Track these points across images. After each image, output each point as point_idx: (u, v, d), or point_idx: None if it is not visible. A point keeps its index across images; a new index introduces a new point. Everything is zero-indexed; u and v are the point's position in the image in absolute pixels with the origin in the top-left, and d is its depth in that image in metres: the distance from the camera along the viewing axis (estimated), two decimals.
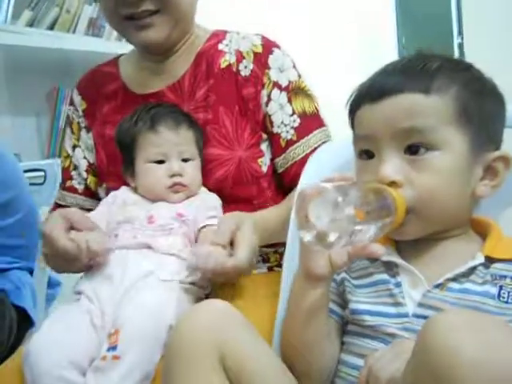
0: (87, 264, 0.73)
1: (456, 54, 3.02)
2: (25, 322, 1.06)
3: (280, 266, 0.89)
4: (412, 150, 0.53)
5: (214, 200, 0.82)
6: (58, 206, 0.98)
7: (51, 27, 1.73)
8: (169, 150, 0.79)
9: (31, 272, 1.13)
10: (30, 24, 1.70)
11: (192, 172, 0.81)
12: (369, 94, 0.56)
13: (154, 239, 0.75)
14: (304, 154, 0.85)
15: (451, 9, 3.45)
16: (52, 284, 1.20)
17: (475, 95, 0.53)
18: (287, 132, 0.86)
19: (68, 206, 0.95)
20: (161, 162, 0.80)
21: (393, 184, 0.52)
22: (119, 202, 0.83)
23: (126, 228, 0.77)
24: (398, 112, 0.52)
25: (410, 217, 0.52)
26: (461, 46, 3.35)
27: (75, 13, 1.79)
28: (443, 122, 0.52)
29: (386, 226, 0.50)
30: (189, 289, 0.75)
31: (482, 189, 0.54)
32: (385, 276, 0.56)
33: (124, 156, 0.84)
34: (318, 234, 0.47)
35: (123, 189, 0.85)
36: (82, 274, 0.78)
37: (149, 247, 0.75)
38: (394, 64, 0.57)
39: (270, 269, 0.89)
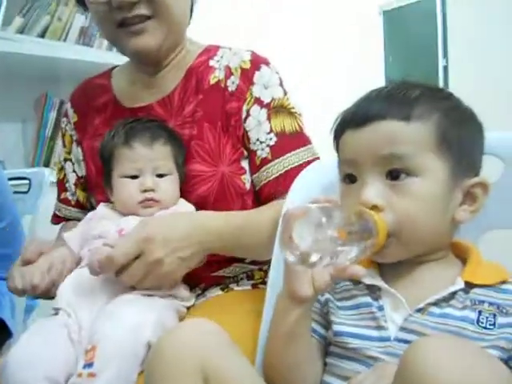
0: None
1: (441, 77, 3.10)
2: (2, 333, 1.03)
3: (264, 283, 0.89)
4: (393, 175, 0.54)
5: (183, 206, 0.82)
6: (56, 216, 0.99)
7: (42, 35, 1.73)
8: (143, 165, 0.79)
9: None
10: (21, 31, 1.69)
11: (166, 187, 0.80)
12: (353, 120, 0.57)
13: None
14: (278, 173, 0.83)
15: (437, 31, 3.54)
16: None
17: (455, 123, 0.55)
18: (262, 150, 0.84)
19: (64, 218, 0.98)
20: (135, 177, 0.80)
21: (374, 208, 0.53)
22: (96, 218, 0.83)
23: (98, 242, 0.76)
24: (380, 138, 0.54)
25: (391, 240, 0.53)
26: (445, 68, 3.44)
27: (67, 21, 1.79)
28: (423, 148, 0.54)
29: (367, 248, 0.51)
30: (169, 302, 0.74)
31: (462, 214, 0.56)
32: (368, 299, 0.56)
33: (104, 170, 0.84)
34: (301, 254, 0.48)
35: (101, 205, 0.86)
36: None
37: None
38: (378, 90, 0.58)
39: (255, 286, 0.89)
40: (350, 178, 0.58)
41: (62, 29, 1.78)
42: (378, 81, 3.69)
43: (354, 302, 0.57)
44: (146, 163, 0.79)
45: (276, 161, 0.84)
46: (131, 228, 0.74)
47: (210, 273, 0.85)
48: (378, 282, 0.57)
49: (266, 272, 0.90)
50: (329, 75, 3.26)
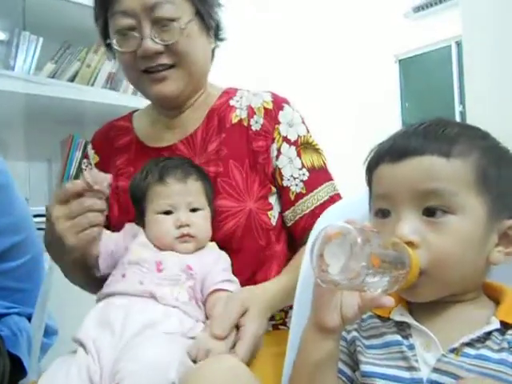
0: (82, 253, 0.75)
1: None
2: (18, 371, 1.02)
3: (285, 324, 0.88)
4: (430, 211, 0.53)
5: (225, 261, 0.82)
6: None
7: (72, 79, 1.82)
8: (177, 200, 0.80)
9: (29, 318, 1.11)
10: (52, 76, 1.78)
11: (200, 222, 0.81)
12: (389, 154, 0.56)
13: (160, 288, 0.75)
14: (313, 206, 0.86)
15: (453, 78, 3.61)
16: (48, 332, 1.17)
17: (494, 163, 0.55)
18: (296, 185, 0.87)
19: None
20: (169, 212, 0.81)
21: (409, 244, 0.52)
22: (136, 243, 0.82)
23: (134, 270, 0.77)
24: (419, 173, 0.53)
25: (424, 278, 0.52)
26: (462, 114, 3.47)
27: (95, 67, 1.89)
28: (463, 186, 0.53)
29: (398, 280, 0.50)
30: (190, 342, 0.73)
31: (497, 255, 0.55)
32: (397, 337, 0.54)
33: (136, 209, 0.85)
34: (331, 274, 0.47)
35: (141, 231, 0.84)
36: (82, 321, 0.76)
37: (153, 297, 0.74)
38: (415, 127, 0.58)
39: (275, 327, 0.87)
40: (383, 213, 0.57)
41: (91, 74, 1.88)
42: (394, 126, 3.74)
43: (383, 340, 0.55)
44: (180, 199, 0.80)
45: (310, 194, 0.87)
46: (169, 263, 0.75)
47: None
48: (409, 319, 0.55)
49: (287, 312, 0.89)
50: (345, 121, 3.31)
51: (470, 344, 0.50)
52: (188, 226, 0.79)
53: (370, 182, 0.60)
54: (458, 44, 3.41)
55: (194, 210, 0.81)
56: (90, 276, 0.84)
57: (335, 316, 0.51)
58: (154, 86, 0.84)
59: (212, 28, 0.89)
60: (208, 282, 0.77)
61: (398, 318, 0.55)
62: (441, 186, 0.52)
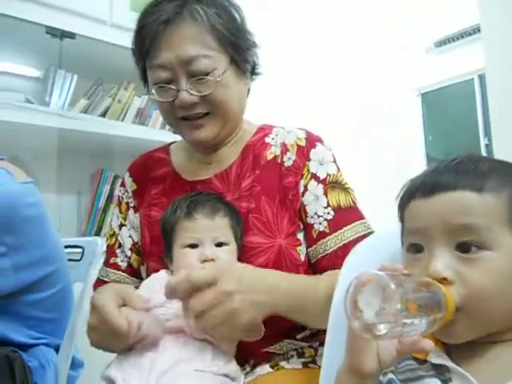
0: (129, 345, 0.73)
1: (484, 155, 3.08)
2: None
3: (315, 362, 0.86)
4: (463, 247, 0.52)
5: None
6: (100, 281, 0.99)
7: (103, 115, 1.88)
8: (203, 235, 0.81)
9: (57, 349, 1.12)
10: (85, 111, 1.85)
11: (225, 257, 0.81)
12: (421, 189, 0.56)
13: (188, 323, 0.74)
14: (336, 247, 0.84)
15: (476, 110, 3.59)
16: (75, 365, 1.17)
17: None
18: (320, 224, 0.86)
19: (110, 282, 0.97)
20: (195, 246, 0.81)
21: (443, 281, 0.51)
22: (157, 285, 0.83)
23: (160, 311, 0.77)
24: (452, 208, 0.53)
25: (461, 316, 0.51)
26: (488, 146, 3.43)
27: (126, 103, 1.95)
28: (496, 222, 0.52)
29: (435, 321, 0.49)
30: (221, 381, 0.72)
31: None
32: (436, 381, 0.52)
33: (165, 242, 0.86)
34: (366, 323, 0.46)
35: (162, 272, 0.86)
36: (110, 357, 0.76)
37: (181, 332, 0.74)
38: (446, 163, 0.58)
39: (305, 365, 0.85)
40: (415, 248, 0.56)
41: (121, 109, 1.94)
42: (418, 158, 3.73)
43: None
44: (206, 233, 0.81)
45: (334, 234, 0.85)
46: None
47: (260, 349, 0.82)
48: (447, 361, 0.53)
49: (316, 350, 0.87)
50: (369, 156, 3.31)
51: None
52: (213, 260, 0.80)
53: (402, 219, 0.60)
54: (481, 77, 3.41)
55: (219, 245, 0.82)
56: None
57: (371, 360, 0.50)
58: (191, 133, 0.87)
59: (248, 71, 0.92)
60: None
61: (435, 360, 0.53)
62: (474, 221, 0.52)
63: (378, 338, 0.46)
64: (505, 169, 0.57)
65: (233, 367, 0.75)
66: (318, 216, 0.86)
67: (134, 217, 0.98)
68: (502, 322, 0.53)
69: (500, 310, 0.52)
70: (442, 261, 0.52)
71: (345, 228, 0.86)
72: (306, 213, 0.87)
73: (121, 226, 1.00)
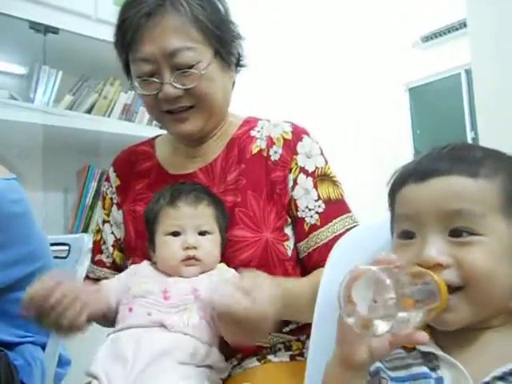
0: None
1: None
2: None
3: (302, 354, 0.86)
4: (456, 233, 0.52)
5: (233, 277, 0.80)
6: (88, 278, 0.99)
7: (89, 111, 1.86)
8: (185, 222, 0.80)
9: (43, 347, 1.11)
10: (70, 107, 1.83)
11: (208, 245, 0.80)
12: (414, 174, 0.55)
13: (169, 317, 0.74)
14: (327, 239, 0.85)
15: (463, 105, 3.62)
16: (62, 362, 1.16)
17: None
18: (311, 217, 0.86)
19: (98, 279, 0.96)
20: (177, 234, 0.80)
21: (437, 266, 0.51)
22: (139, 275, 0.83)
23: (141, 302, 0.76)
24: (445, 193, 0.52)
25: (461, 298, 0.50)
26: (474, 140, 3.45)
27: (112, 99, 1.94)
28: (490, 208, 0.52)
29: (430, 312, 0.49)
30: (205, 373, 0.72)
31: None
32: (424, 369, 0.52)
33: (148, 232, 0.86)
34: (361, 318, 0.46)
35: (144, 263, 0.85)
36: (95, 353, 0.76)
37: (162, 325, 0.74)
38: (438, 149, 0.57)
39: (293, 358, 0.86)
40: (407, 235, 0.55)
41: (107, 106, 1.92)
42: (406, 152, 3.75)
43: (409, 373, 0.53)
44: (189, 221, 0.80)
45: (325, 227, 0.86)
46: (175, 289, 0.73)
47: None
48: (436, 349, 0.52)
49: (304, 343, 0.88)
50: (358, 150, 3.33)
51: (502, 378, 0.48)
52: (195, 248, 0.79)
53: (392, 204, 0.59)
54: (467, 72, 3.44)
55: (202, 234, 0.81)
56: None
57: (363, 351, 0.49)
58: (176, 126, 0.87)
59: (233, 63, 0.91)
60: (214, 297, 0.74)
61: (424, 348, 0.53)
62: (468, 207, 0.51)
63: (372, 333, 0.46)
64: (498, 156, 0.57)
65: (216, 357, 0.75)
66: (309, 209, 0.86)
67: (117, 213, 0.97)
68: (495, 306, 0.52)
69: (498, 291, 0.51)
70: (436, 247, 0.52)
71: (335, 220, 0.86)
72: (296, 207, 0.87)
73: (104, 222, 0.99)
